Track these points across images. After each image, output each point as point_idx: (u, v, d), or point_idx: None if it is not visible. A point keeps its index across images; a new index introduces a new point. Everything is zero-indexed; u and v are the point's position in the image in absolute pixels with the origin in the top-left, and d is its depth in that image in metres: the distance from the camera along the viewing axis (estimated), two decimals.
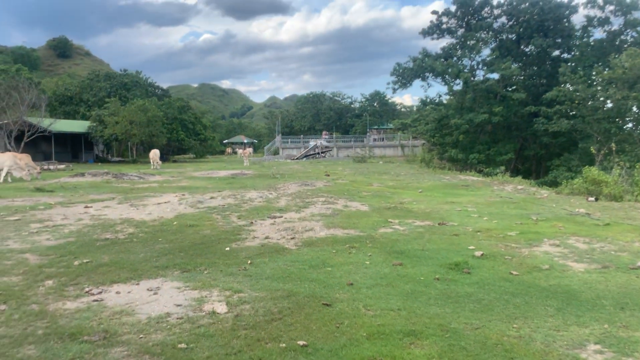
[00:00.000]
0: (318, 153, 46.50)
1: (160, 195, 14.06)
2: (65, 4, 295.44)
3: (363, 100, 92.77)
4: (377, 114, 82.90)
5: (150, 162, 33.82)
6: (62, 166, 31.80)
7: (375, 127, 72.70)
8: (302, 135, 62.15)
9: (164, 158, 43.24)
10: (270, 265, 6.63)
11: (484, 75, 34.03)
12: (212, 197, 13.08)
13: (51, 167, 30.21)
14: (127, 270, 6.33)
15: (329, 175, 21.57)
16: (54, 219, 10.32)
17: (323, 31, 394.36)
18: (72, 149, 46.35)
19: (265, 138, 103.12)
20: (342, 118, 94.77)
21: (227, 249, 7.63)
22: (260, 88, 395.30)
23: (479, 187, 17.21)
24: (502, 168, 24.29)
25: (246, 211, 11.29)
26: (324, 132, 73.93)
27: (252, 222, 9.90)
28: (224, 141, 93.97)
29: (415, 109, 69.30)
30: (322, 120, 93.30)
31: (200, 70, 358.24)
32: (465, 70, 33.24)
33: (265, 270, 6.37)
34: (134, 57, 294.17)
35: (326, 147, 49.56)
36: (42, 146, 42.55)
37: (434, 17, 36.17)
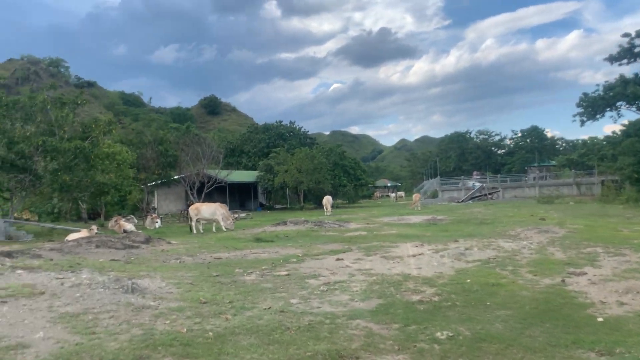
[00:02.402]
0: (485, 194, 43.68)
1: (396, 246, 13.00)
2: (210, 66, 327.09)
3: (514, 137, 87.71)
4: (536, 151, 77.23)
5: (323, 208, 33.92)
6: (243, 214, 32.99)
7: (535, 164, 67.46)
8: (462, 176, 59.45)
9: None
10: None
11: None
12: (466, 248, 11.68)
13: (235, 215, 31.31)
14: (526, 350, 5.03)
15: (544, 220, 19.24)
16: (323, 274, 9.60)
17: (452, 71, 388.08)
18: (240, 197, 48.66)
19: (406, 180, 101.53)
20: (491, 157, 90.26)
21: (600, 319, 6.07)
22: (389, 131, 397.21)
23: None
24: None
25: (529, 265, 9.70)
26: (474, 172, 70.43)
27: (562, 280, 8.27)
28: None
29: (580, 141, 63.50)
30: (469, 160, 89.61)
31: (331, 118, 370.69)
32: None
33: None
34: (271, 110, 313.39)
35: (493, 187, 46.51)
36: (214, 196, 45.14)
37: (624, 41, 32.40)
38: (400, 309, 6.82)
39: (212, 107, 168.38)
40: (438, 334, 5.63)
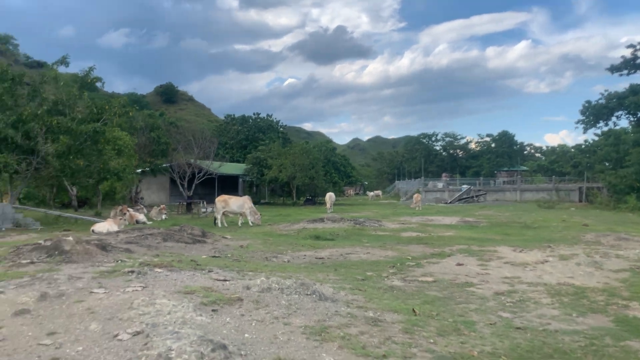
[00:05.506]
0: (472, 197, 44.15)
1: (494, 250, 12.32)
2: (161, 53, 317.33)
3: (480, 140, 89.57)
4: (506, 155, 79.03)
5: (313, 205, 33.10)
6: None
7: (505, 169, 68.98)
8: (444, 177, 59.91)
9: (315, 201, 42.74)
10: None
11: None
12: (587, 256, 11.14)
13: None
14: None
15: (587, 226, 19.22)
16: (473, 282, 8.84)
17: (405, 73, 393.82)
18: (224, 191, 46.75)
19: (371, 179, 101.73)
20: (456, 159, 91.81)
21: None
22: (341, 130, 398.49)
23: None
24: None
25: None
26: (443, 174, 71.36)
27: None
28: None
29: (558, 149, 65.29)
30: (435, 162, 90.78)
31: (284, 113, 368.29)
32: None
33: None
34: (224, 102, 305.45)
35: (479, 190, 47.09)
36: (199, 189, 43.23)
37: (627, 52, 33.02)
38: None
39: (169, 95, 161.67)
40: None
